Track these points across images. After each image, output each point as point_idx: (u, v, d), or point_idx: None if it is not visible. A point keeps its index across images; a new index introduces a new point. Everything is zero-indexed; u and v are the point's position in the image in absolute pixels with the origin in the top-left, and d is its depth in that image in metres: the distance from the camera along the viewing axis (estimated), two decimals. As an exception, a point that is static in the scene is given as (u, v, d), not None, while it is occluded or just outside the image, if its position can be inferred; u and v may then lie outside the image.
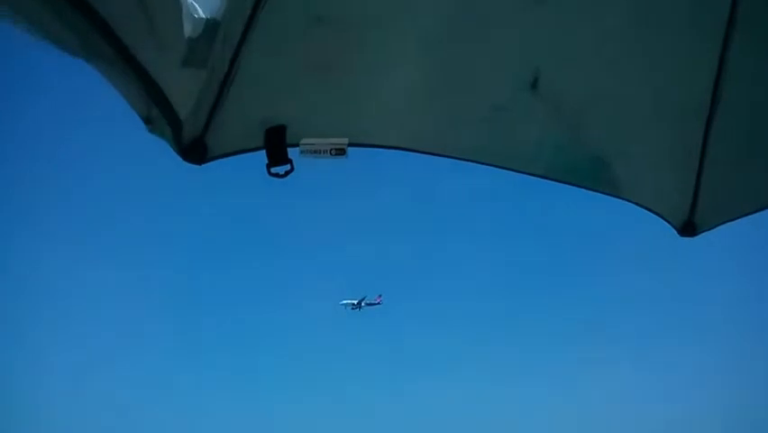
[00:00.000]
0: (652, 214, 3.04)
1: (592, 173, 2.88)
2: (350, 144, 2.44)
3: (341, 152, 2.42)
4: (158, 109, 2.07)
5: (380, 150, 2.62)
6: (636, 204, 3.01)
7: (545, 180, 2.83)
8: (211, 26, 2.01)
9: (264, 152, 2.42)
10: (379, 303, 59.41)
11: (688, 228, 3.05)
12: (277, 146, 2.38)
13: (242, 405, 64.19)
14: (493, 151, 2.76)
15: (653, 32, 2.65)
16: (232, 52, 2.18)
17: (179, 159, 2.26)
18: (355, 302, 58.24)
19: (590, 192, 2.93)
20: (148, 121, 2.13)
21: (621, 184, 2.94)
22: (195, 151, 2.31)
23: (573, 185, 2.91)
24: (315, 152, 2.41)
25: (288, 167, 2.40)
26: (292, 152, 2.41)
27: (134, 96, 2.02)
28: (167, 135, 2.22)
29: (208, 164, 2.37)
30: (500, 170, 2.79)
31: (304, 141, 2.40)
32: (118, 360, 64.80)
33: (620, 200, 2.96)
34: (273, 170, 2.39)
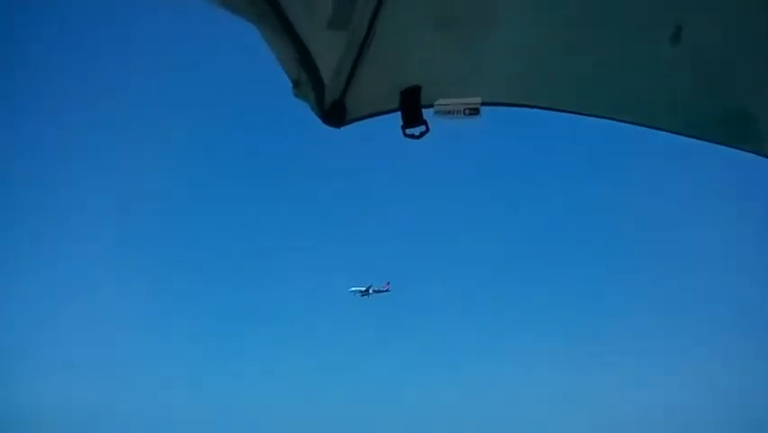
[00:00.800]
0: None
1: (736, 129, 2.71)
2: (483, 104, 2.45)
3: (474, 111, 2.44)
4: (305, 72, 2.19)
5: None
6: None
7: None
8: None
9: (396, 114, 2.47)
10: (387, 290, 59.35)
11: None
12: (412, 107, 2.43)
13: (251, 390, 65.12)
14: (631, 108, 2.67)
15: None
16: (371, 13, 2.20)
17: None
18: (363, 289, 58.37)
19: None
20: (297, 84, 2.26)
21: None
22: (335, 113, 2.41)
23: (715, 142, 2.75)
24: (449, 112, 2.44)
25: (423, 128, 2.44)
26: (426, 114, 2.45)
27: (287, 60, 2.16)
28: (310, 99, 2.33)
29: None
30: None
31: (438, 102, 2.45)
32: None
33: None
34: (408, 131, 2.44)
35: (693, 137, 2.73)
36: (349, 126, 2.48)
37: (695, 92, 2.63)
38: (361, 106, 2.44)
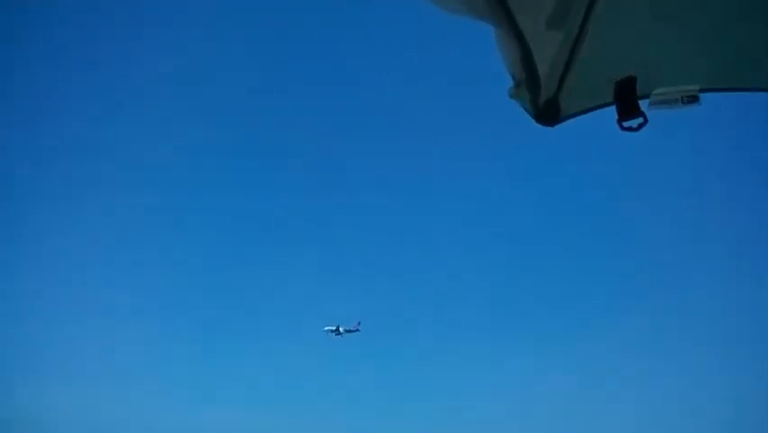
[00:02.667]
0: None
1: None
2: (701, 90, 2.36)
3: (693, 99, 2.35)
4: (525, 72, 2.23)
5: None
6: None
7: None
8: None
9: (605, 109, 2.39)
10: (357, 330, 62.85)
11: None
12: (627, 99, 2.37)
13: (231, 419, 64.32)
14: None
15: None
16: (585, 10, 2.21)
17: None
18: (334, 328, 62.37)
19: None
20: (517, 84, 2.30)
21: None
22: (548, 112, 2.42)
23: None
24: (665, 102, 2.37)
25: (641, 120, 2.35)
26: (641, 105, 2.39)
27: (513, 61, 2.21)
28: (525, 99, 2.36)
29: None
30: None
31: (655, 92, 2.36)
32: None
33: None
34: (626, 123, 2.36)
35: None
36: None
37: None
38: (574, 103, 2.45)
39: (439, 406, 68.69)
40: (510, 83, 2.33)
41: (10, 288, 68.00)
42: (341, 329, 62.74)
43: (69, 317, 74.87)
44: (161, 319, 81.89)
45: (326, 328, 63.38)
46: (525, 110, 2.38)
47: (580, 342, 68.01)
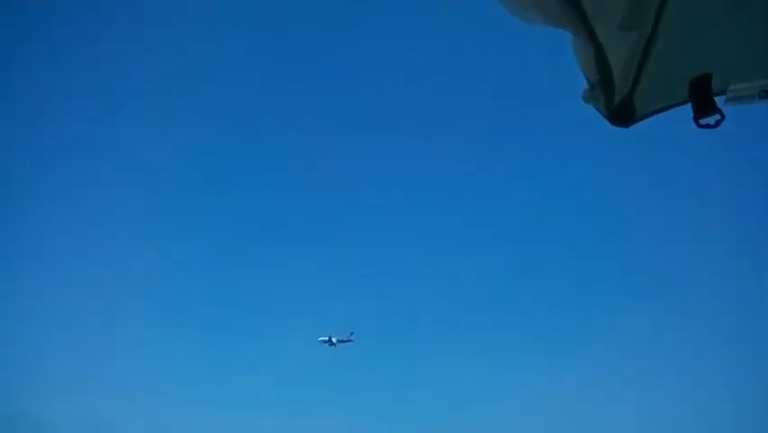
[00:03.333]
0: None
1: None
2: None
3: None
4: (599, 75, 2.25)
5: None
6: None
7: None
8: None
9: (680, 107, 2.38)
10: (351, 340, 63.16)
11: None
12: (703, 97, 2.35)
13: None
14: None
15: None
16: (656, 9, 2.20)
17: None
18: (326, 339, 62.67)
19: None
20: (592, 87, 2.31)
21: None
22: (623, 112, 2.41)
23: None
24: (742, 97, 2.35)
25: (717, 116, 2.34)
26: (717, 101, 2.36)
27: (587, 63, 2.22)
28: (600, 101, 2.36)
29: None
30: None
31: (732, 88, 2.35)
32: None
33: None
34: (702, 121, 2.34)
35: None
36: None
37: None
38: (648, 103, 2.44)
39: (438, 407, 69.07)
40: (583, 86, 2.32)
41: (10, 288, 68.01)
42: (333, 340, 62.91)
43: (69, 317, 74.96)
44: (161, 319, 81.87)
45: (320, 339, 63.52)
46: (599, 112, 2.39)
47: (579, 342, 68.12)
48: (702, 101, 2.34)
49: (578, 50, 2.17)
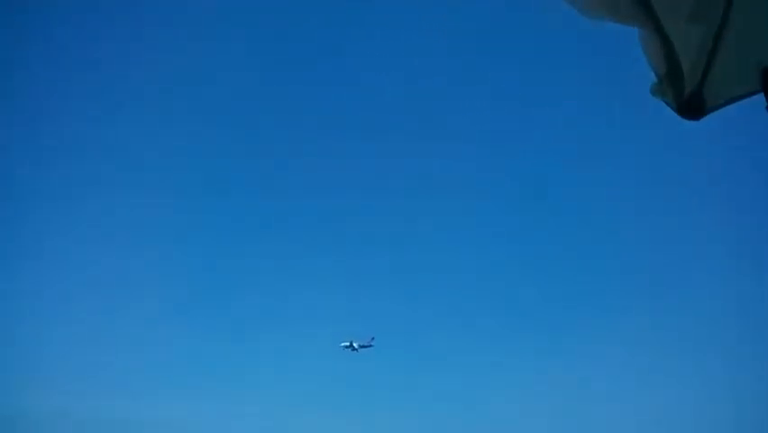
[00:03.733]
0: None
1: None
2: None
3: None
4: (668, 67, 2.25)
5: None
6: None
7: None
8: None
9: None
10: (371, 345, 64.20)
11: None
12: None
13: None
14: None
15: None
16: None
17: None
18: (348, 344, 63.85)
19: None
20: (660, 81, 2.32)
21: None
22: (693, 105, 2.38)
23: None
24: None
25: None
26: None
27: (655, 57, 2.23)
28: (669, 95, 2.35)
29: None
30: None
31: None
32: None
33: None
34: None
35: None
36: None
37: None
38: (719, 94, 2.41)
39: (447, 408, 69.08)
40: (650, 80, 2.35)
41: (10, 288, 68.11)
42: (355, 345, 63.87)
43: (69, 316, 74.98)
44: (161, 320, 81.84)
45: (342, 344, 64.57)
46: (668, 105, 2.37)
47: (580, 342, 67.99)
48: None
49: (645, 44, 2.19)
